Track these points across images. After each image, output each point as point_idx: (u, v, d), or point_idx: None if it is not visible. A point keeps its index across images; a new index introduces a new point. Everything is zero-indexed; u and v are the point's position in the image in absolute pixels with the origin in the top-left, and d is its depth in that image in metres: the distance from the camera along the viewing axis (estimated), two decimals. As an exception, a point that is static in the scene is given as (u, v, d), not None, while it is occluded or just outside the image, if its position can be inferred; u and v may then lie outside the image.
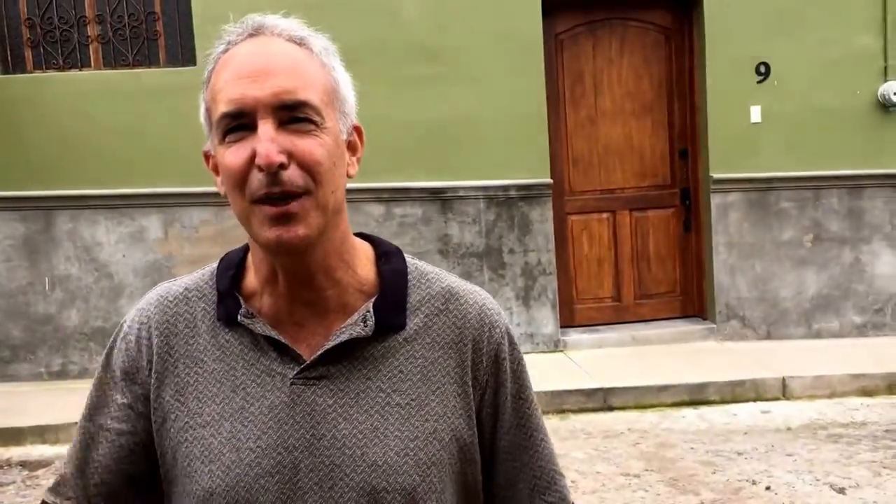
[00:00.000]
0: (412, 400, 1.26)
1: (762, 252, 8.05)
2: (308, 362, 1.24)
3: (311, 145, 1.17)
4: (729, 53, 7.86)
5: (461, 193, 7.82)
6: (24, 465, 6.03)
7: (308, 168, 1.16)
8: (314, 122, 1.18)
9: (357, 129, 1.29)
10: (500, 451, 1.35)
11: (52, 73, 7.66)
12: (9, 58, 7.68)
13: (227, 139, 1.18)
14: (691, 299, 8.38)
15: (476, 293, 1.36)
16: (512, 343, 1.36)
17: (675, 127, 8.22)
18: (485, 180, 7.80)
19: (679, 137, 8.23)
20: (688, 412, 6.59)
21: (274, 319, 1.27)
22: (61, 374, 7.66)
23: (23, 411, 6.73)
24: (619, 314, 8.30)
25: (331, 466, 1.22)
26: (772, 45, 7.88)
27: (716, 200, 7.97)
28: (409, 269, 1.34)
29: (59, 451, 6.01)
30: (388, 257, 1.33)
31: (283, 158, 1.14)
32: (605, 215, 8.23)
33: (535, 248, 7.90)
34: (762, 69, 7.89)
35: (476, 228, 7.86)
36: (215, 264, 1.36)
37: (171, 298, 1.34)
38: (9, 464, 6.06)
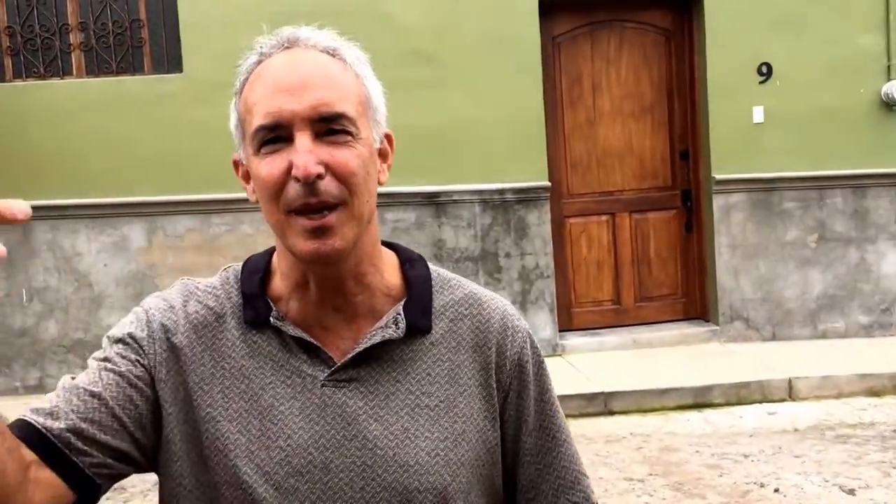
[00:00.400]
0: (441, 402, 1.29)
1: (766, 253, 7.93)
2: (339, 364, 1.26)
3: (347, 157, 1.18)
4: (730, 54, 7.76)
5: (455, 197, 7.68)
6: None
7: (343, 179, 1.18)
8: (350, 134, 1.19)
9: (388, 137, 1.32)
10: (523, 454, 1.37)
11: (32, 82, 7.50)
12: (-12, 67, 7.55)
13: (262, 151, 1.19)
14: (693, 301, 8.22)
15: (497, 299, 1.40)
16: (534, 347, 1.39)
17: (675, 128, 8.09)
18: (480, 184, 7.66)
19: (680, 139, 8.11)
20: (692, 415, 6.43)
21: (302, 323, 1.29)
22: (38, 389, 7.43)
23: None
24: (619, 317, 8.13)
25: (362, 467, 1.23)
26: (774, 45, 7.79)
27: (718, 201, 7.85)
28: (432, 276, 1.37)
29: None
30: (412, 264, 1.37)
31: (320, 170, 1.16)
32: (604, 218, 8.09)
33: (532, 252, 7.74)
34: (764, 69, 7.80)
35: (471, 232, 7.70)
36: (238, 266, 1.36)
37: (198, 294, 1.33)
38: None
